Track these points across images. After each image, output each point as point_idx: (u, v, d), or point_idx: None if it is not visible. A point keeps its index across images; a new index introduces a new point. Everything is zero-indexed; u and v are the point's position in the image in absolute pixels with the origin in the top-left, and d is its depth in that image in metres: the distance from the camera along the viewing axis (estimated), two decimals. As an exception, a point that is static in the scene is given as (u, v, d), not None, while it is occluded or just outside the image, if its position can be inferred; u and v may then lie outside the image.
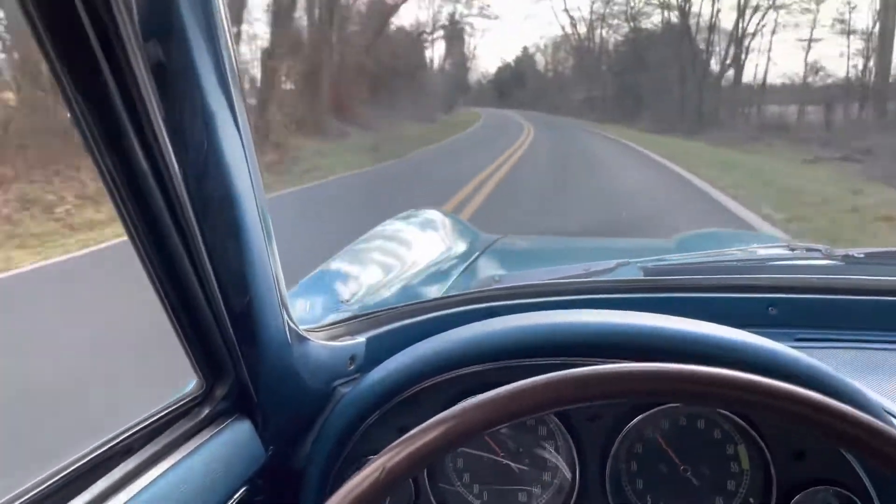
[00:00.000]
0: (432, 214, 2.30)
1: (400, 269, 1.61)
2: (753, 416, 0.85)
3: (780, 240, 2.81)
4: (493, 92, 64.77)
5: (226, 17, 0.60)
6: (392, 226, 2.06)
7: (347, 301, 1.23)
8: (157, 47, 0.55)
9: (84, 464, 0.61)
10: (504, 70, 66.86)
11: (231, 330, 0.72)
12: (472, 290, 1.19)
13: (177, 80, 0.57)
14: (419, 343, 0.96)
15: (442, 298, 1.16)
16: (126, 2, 0.53)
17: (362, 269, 1.62)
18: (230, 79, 0.62)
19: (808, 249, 1.26)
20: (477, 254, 1.89)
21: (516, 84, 62.09)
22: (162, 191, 0.61)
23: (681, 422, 0.90)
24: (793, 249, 1.29)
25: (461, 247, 2.01)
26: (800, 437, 0.85)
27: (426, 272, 1.64)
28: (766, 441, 0.84)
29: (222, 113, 0.62)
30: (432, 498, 0.91)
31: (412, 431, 0.55)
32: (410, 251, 1.87)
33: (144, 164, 0.59)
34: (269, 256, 0.74)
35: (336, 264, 1.60)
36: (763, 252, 1.34)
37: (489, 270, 1.76)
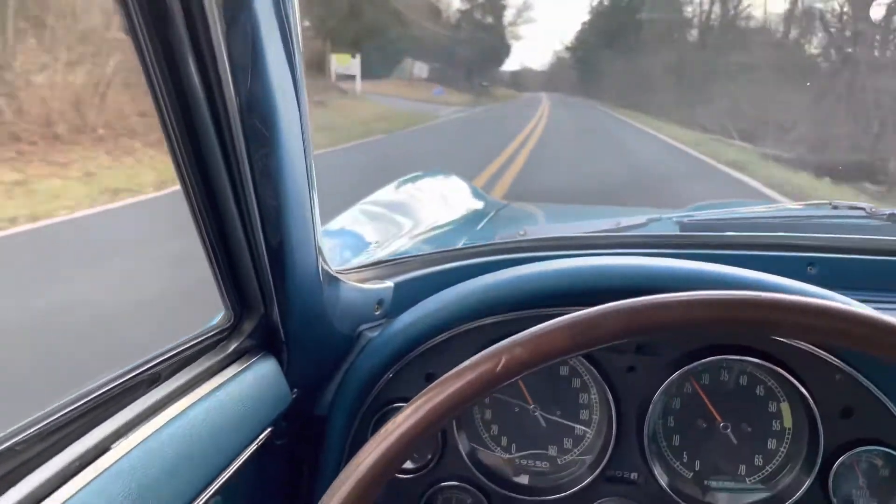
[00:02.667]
0: (447, 175, 2.27)
1: (421, 221, 1.58)
2: (802, 371, 0.81)
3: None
4: (572, 66, 36.37)
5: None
6: (410, 182, 2.03)
7: (375, 244, 1.19)
8: None
9: (110, 389, 0.58)
10: (594, 24, 34.64)
11: (267, 263, 0.69)
12: (500, 241, 1.15)
13: (241, 12, 0.56)
14: (448, 289, 0.91)
15: (471, 247, 1.12)
16: None
17: (383, 219, 1.59)
18: (291, 20, 0.61)
19: (852, 208, 1.22)
20: (494, 211, 1.85)
21: (617, 42, 27.91)
22: (213, 116, 0.59)
23: (722, 377, 0.86)
24: (835, 207, 1.25)
25: (478, 205, 1.97)
26: (848, 393, 0.81)
27: (448, 225, 1.61)
28: (814, 397, 0.81)
29: (279, 49, 0.61)
30: (461, 449, 0.88)
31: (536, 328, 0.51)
32: (429, 205, 1.84)
33: (199, 88, 0.57)
34: (309, 194, 0.72)
35: (358, 213, 1.56)
36: (804, 210, 1.30)
37: (512, 226, 1.72)
